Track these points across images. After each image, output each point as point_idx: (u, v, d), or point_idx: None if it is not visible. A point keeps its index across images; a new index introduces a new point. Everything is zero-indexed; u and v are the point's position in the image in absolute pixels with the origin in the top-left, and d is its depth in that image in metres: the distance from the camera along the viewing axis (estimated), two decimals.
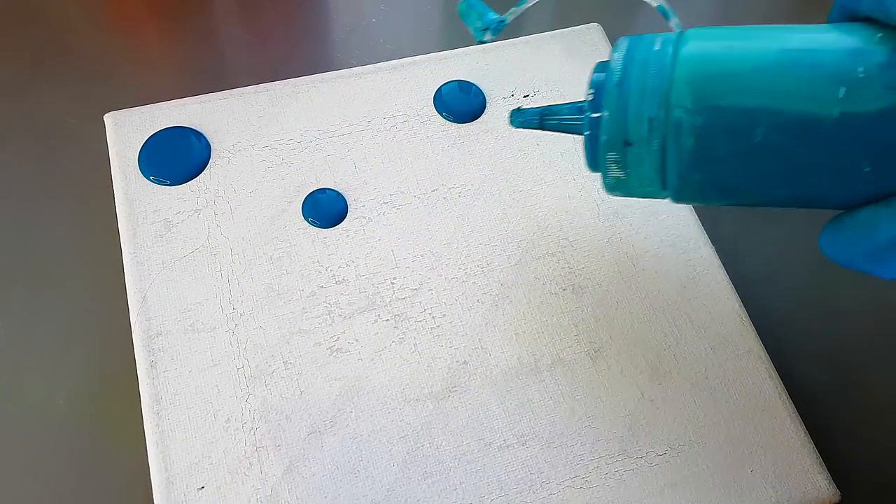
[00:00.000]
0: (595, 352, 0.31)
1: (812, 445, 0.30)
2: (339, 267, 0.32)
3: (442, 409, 0.30)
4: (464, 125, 0.36)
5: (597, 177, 0.35)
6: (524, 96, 0.38)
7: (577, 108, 0.27)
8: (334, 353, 0.30)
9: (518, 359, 0.31)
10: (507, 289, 0.32)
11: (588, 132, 0.25)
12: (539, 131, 0.29)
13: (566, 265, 0.33)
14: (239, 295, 0.31)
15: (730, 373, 0.31)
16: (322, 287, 0.32)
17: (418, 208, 0.34)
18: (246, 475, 0.28)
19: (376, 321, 0.31)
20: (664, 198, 0.25)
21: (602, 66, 0.25)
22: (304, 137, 0.35)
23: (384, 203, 0.34)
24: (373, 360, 0.30)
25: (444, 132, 0.36)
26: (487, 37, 0.28)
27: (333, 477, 0.28)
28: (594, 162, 0.25)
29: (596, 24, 0.40)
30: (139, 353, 0.30)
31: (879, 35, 0.21)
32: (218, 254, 0.32)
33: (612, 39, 0.40)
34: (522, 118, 0.29)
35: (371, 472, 0.28)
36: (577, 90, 0.38)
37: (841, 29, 0.22)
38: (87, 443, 0.30)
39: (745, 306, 0.33)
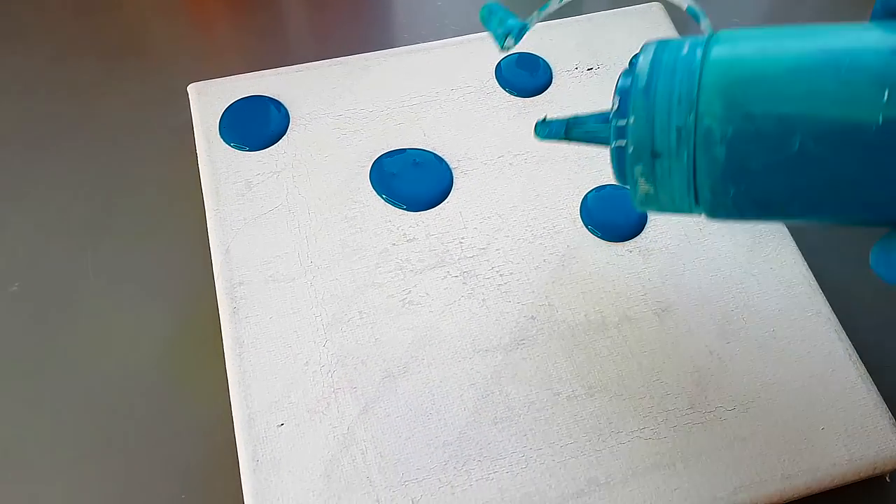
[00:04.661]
0: (662, 311, 0.32)
1: (885, 406, 0.30)
2: (410, 227, 0.33)
3: (510, 360, 0.30)
4: (529, 98, 0.38)
5: None
6: (587, 69, 0.39)
7: (604, 117, 0.25)
8: (406, 306, 0.31)
9: (585, 315, 0.31)
10: (574, 250, 0.33)
11: (614, 142, 0.23)
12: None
13: None
14: (316, 250, 0.33)
15: (798, 333, 0.31)
16: (394, 245, 0.33)
17: (485, 174, 0.35)
18: (324, 414, 0.29)
19: (446, 277, 0.32)
20: (698, 213, 0.23)
21: (629, 72, 0.23)
22: (375, 107, 0.37)
23: (452, 168, 0.35)
24: (443, 312, 0.31)
25: (510, 104, 0.37)
26: (509, 42, 0.27)
27: (407, 418, 0.29)
28: (622, 174, 0.24)
29: (657, 2, 0.41)
30: (222, 300, 0.31)
31: None
32: (296, 212, 0.33)
33: (674, 19, 0.41)
34: (548, 129, 0.27)
35: (443, 415, 0.29)
36: None
37: (884, 27, 0.20)
38: (171, 386, 0.31)
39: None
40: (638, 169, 0.22)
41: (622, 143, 0.22)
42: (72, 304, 0.33)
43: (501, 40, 0.27)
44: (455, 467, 0.28)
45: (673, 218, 0.34)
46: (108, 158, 0.37)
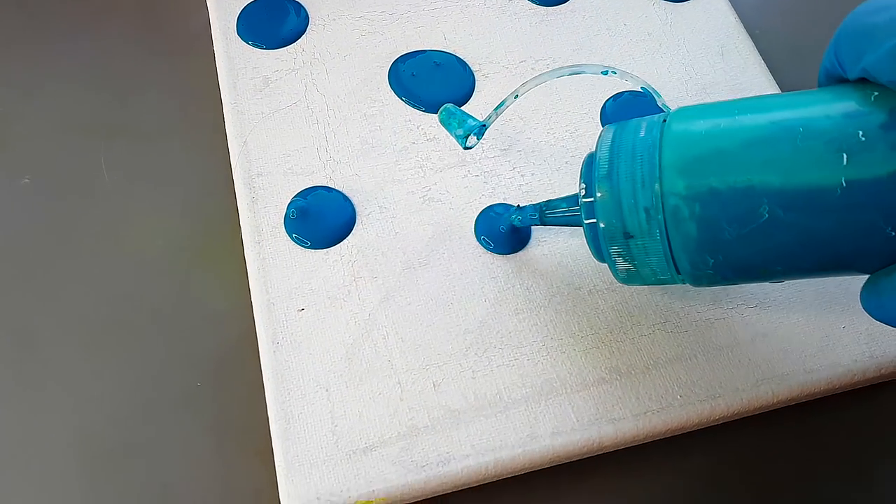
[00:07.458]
0: None
1: None
2: (430, 126, 0.33)
3: (531, 256, 0.30)
4: (552, 7, 0.37)
5: (686, 54, 0.36)
6: None
7: (575, 199, 0.26)
8: (427, 202, 0.31)
9: None
10: None
11: (586, 226, 0.24)
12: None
13: None
14: (335, 145, 0.32)
15: None
16: (414, 143, 0.32)
17: (506, 77, 0.35)
18: (344, 301, 0.28)
19: (466, 176, 0.32)
20: (682, 283, 0.23)
21: (592, 158, 0.24)
22: (395, 10, 0.36)
23: (474, 72, 0.34)
24: (464, 209, 0.31)
25: (532, 11, 0.37)
26: (472, 141, 0.28)
27: (428, 307, 0.29)
28: (598, 253, 0.24)
29: None
30: (240, 190, 0.31)
31: (875, 94, 0.20)
32: (315, 108, 0.33)
33: None
34: (522, 216, 0.28)
35: (464, 305, 0.29)
36: None
37: (831, 93, 0.21)
38: (186, 279, 0.31)
39: None
40: (614, 250, 0.23)
41: (593, 221, 0.23)
42: (84, 198, 0.33)
43: (463, 141, 0.28)
44: (476, 353, 0.28)
45: None
46: (123, 56, 0.37)
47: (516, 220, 0.28)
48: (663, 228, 0.22)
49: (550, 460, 0.26)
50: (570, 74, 0.28)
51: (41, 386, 0.29)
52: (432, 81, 0.34)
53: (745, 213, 0.20)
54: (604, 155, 0.23)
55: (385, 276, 0.29)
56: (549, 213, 0.27)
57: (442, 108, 0.28)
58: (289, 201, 0.30)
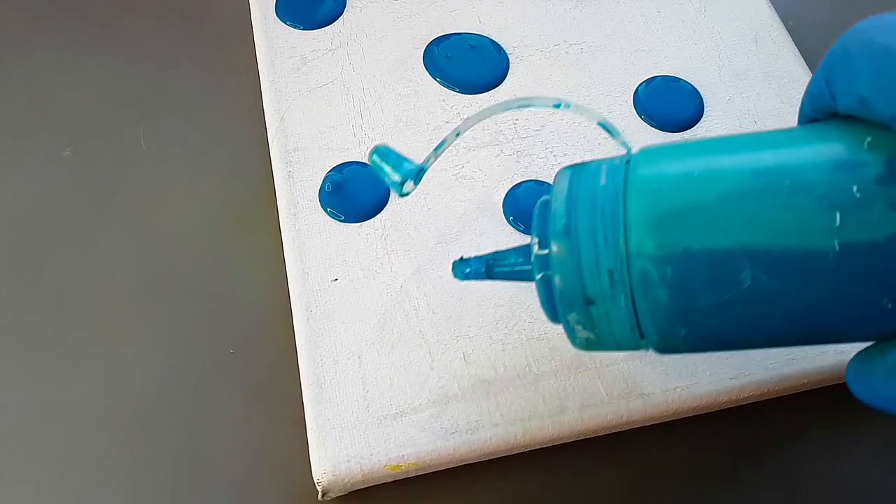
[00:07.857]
0: None
1: None
2: (464, 106, 0.33)
3: None
4: None
5: (719, 41, 0.36)
6: None
7: (526, 251, 0.22)
8: (459, 179, 0.31)
9: None
10: (630, 134, 0.33)
11: (540, 284, 0.21)
12: None
13: None
14: (370, 123, 0.33)
15: None
16: (447, 122, 0.33)
17: (540, 60, 0.35)
18: (377, 272, 0.29)
19: (499, 155, 0.32)
20: (646, 350, 0.21)
21: (546, 207, 0.21)
22: None
23: (508, 55, 0.35)
24: (496, 187, 0.31)
25: None
26: (409, 187, 0.23)
27: (459, 281, 0.29)
28: (553, 315, 0.21)
29: None
30: (276, 163, 0.31)
31: (868, 140, 0.18)
32: (351, 87, 0.33)
33: None
34: (467, 268, 0.24)
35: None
36: None
37: (818, 134, 0.19)
38: (222, 249, 0.32)
39: None
40: (573, 317, 0.20)
41: (549, 288, 0.20)
42: (124, 170, 0.34)
43: (399, 188, 0.23)
44: (506, 326, 0.28)
45: (730, 112, 0.34)
46: (162, 32, 0.37)
47: (459, 273, 0.24)
48: (629, 294, 0.19)
49: (579, 433, 0.26)
50: (518, 108, 0.24)
51: (79, 351, 0.30)
52: (467, 63, 0.34)
53: (724, 279, 0.18)
54: (559, 206, 0.20)
55: (417, 250, 0.29)
56: (497, 267, 0.23)
57: (372, 149, 0.24)
58: (324, 176, 0.31)
